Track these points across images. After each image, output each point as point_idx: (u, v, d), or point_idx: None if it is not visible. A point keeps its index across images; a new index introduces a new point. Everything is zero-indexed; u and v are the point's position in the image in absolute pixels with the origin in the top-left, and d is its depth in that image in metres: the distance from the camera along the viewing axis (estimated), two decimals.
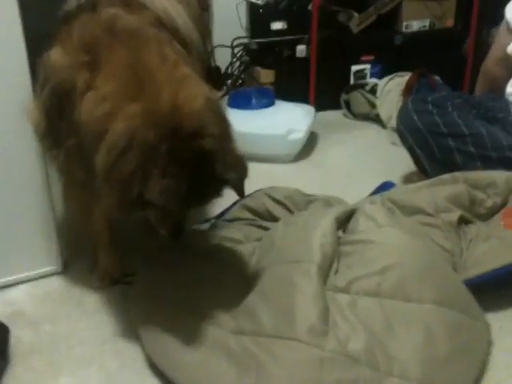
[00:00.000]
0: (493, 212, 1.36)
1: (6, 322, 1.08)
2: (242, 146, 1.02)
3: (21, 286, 1.24)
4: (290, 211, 1.40)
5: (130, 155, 0.91)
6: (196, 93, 0.97)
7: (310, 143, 2.08)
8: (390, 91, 2.24)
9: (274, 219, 1.37)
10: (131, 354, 1.05)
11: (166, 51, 1.04)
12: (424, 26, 2.44)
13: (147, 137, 0.91)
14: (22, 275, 1.25)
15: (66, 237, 1.30)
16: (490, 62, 1.72)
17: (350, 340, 0.94)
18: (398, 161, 1.78)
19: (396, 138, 1.83)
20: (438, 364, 0.94)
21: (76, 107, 0.99)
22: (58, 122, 1.05)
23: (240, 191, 1.01)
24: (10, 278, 1.24)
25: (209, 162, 0.94)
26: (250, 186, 1.40)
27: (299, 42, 2.33)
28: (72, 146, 1.04)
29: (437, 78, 2.24)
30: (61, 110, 1.04)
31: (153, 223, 1.02)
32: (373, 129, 2.28)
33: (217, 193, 1.01)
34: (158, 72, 0.98)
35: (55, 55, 1.05)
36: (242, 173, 0.99)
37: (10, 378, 0.99)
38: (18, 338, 1.08)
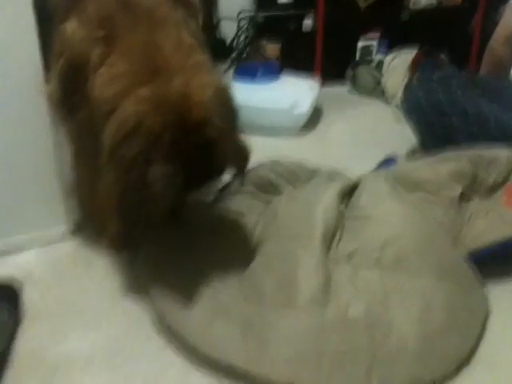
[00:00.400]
0: (494, 189, 1.37)
1: (17, 285, 1.12)
2: (247, 119, 1.06)
3: (31, 251, 1.27)
4: (293, 185, 1.41)
5: (135, 139, 0.94)
6: (206, 82, 0.99)
7: (315, 118, 2.10)
8: (396, 68, 2.25)
9: (277, 192, 1.39)
10: (139, 315, 1.09)
11: (181, 35, 1.06)
12: (431, 3, 2.43)
13: (153, 123, 0.93)
14: (32, 240, 1.27)
15: (77, 203, 1.32)
16: (496, 41, 1.72)
17: (349, 307, 0.98)
18: (401, 137, 1.79)
19: (400, 114, 1.84)
20: (435, 334, 0.97)
21: (89, 80, 1.01)
22: (72, 93, 1.08)
23: (240, 178, 1.04)
24: (20, 243, 1.26)
25: (210, 153, 0.97)
26: (253, 159, 1.43)
27: (305, 16, 2.32)
28: (83, 117, 1.07)
29: (443, 56, 2.24)
30: (75, 82, 1.06)
31: (151, 203, 1.04)
32: (377, 105, 2.29)
33: (214, 180, 1.05)
34: (171, 57, 1.01)
35: (71, 28, 1.06)
36: (243, 163, 1.03)
37: (21, 339, 1.03)
38: (29, 300, 1.11)
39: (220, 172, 1.03)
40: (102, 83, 0.99)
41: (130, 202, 1.11)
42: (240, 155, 1.02)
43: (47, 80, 1.13)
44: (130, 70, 0.98)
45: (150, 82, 0.96)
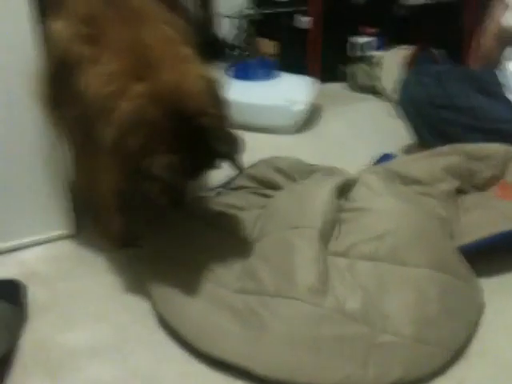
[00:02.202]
0: (489, 183, 1.40)
1: (22, 281, 1.13)
2: (245, 117, 1.09)
3: (35, 248, 1.29)
4: (293, 180, 1.44)
5: (137, 133, 0.97)
6: (197, 74, 1.04)
7: (312, 115, 2.12)
8: (392, 64, 2.26)
9: (277, 188, 1.41)
10: (142, 310, 1.11)
11: (167, 31, 1.09)
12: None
13: (153, 116, 0.97)
14: (36, 238, 1.30)
15: (79, 201, 1.34)
16: (486, 37, 1.74)
17: (347, 300, 1.00)
18: (398, 133, 1.81)
19: (397, 110, 1.86)
20: (430, 323, 0.99)
21: (78, 79, 1.03)
22: (63, 92, 1.09)
23: (236, 164, 1.07)
24: (24, 241, 1.28)
25: (207, 139, 1.01)
26: (252, 157, 1.46)
27: (302, 13, 2.34)
28: (74, 115, 1.09)
29: (440, 51, 2.25)
30: (65, 81, 1.07)
31: (154, 194, 1.07)
32: (374, 101, 2.31)
33: (213, 166, 1.07)
34: (160, 52, 1.04)
35: (56, 26, 1.08)
36: (236, 148, 1.06)
37: (26, 332, 1.05)
38: (34, 296, 1.13)
39: (217, 159, 1.06)
40: (95, 82, 1.01)
41: (133, 197, 1.14)
42: (233, 141, 1.05)
43: (38, 81, 1.13)
44: (123, 68, 1.01)
45: (144, 77, 0.99)
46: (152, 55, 1.03)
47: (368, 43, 2.43)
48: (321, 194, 1.20)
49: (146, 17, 1.09)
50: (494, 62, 1.69)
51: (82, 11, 1.07)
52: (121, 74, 1.01)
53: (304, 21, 2.36)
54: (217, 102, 1.06)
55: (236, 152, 1.05)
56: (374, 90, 2.34)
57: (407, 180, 1.36)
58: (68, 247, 1.31)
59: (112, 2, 1.09)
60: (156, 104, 0.97)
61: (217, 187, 1.49)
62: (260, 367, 0.93)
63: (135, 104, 0.98)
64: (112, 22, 1.05)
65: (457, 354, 0.99)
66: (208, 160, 1.05)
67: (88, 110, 1.03)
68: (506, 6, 1.66)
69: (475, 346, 1.02)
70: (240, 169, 1.09)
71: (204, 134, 1.00)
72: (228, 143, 1.04)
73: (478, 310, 1.08)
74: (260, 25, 2.42)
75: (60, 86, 1.09)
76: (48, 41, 1.11)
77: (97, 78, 1.01)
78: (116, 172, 1.05)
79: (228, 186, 1.47)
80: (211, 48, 2.30)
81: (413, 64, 2.14)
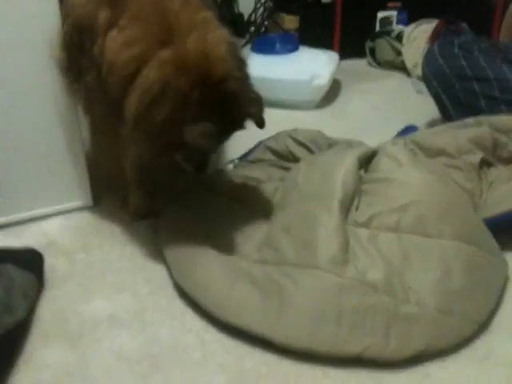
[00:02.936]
0: None
1: (40, 251, 1.14)
2: (265, 92, 1.09)
3: (54, 219, 1.29)
4: (312, 153, 1.42)
5: (164, 102, 0.95)
6: (219, 38, 1.02)
7: (334, 91, 2.08)
8: (416, 38, 2.22)
9: (296, 160, 1.39)
10: (161, 280, 1.10)
11: None
12: None
13: (180, 84, 0.95)
14: (55, 208, 1.30)
15: (97, 172, 1.33)
16: None
17: (368, 270, 0.98)
18: (422, 109, 1.78)
19: (421, 86, 1.82)
20: (455, 295, 0.97)
21: (97, 43, 1.01)
22: (79, 57, 1.08)
23: (261, 123, 1.06)
24: (43, 211, 1.28)
25: (235, 102, 0.99)
26: (272, 131, 1.44)
27: None
28: (92, 80, 1.06)
29: (464, 25, 2.20)
30: (81, 45, 1.06)
31: (180, 163, 1.06)
32: (398, 77, 2.26)
33: (241, 127, 1.06)
34: (181, 16, 1.01)
35: None
36: (261, 106, 1.05)
37: (45, 301, 1.05)
38: (53, 265, 1.13)
39: (243, 121, 1.05)
40: (116, 47, 0.99)
41: (156, 170, 1.12)
42: (258, 99, 1.05)
43: (55, 46, 1.12)
44: (145, 33, 0.99)
45: (167, 42, 0.97)
46: (173, 19, 1.00)
47: (392, 17, 2.39)
48: (342, 165, 1.17)
49: None
50: None
51: None
52: (142, 38, 0.98)
53: None
54: (239, 63, 1.04)
55: (261, 110, 1.04)
56: (397, 66, 2.30)
57: (431, 152, 1.33)
58: (87, 218, 1.31)
59: None
60: (182, 72, 0.95)
61: (235, 159, 1.47)
62: (280, 337, 0.92)
63: (160, 72, 0.95)
64: None
65: (482, 327, 0.97)
66: (237, 122, 1.04)
67: (107, 76, 1.01)
68: None
69: (501, 319, 0.99)
70: (263, 126, 1.06)
71: (232, 97, 0.99)
72: (254, 104, 1.03)
73: (504, 283, 1.06)
74: (281, 0, 2.38)
75: (77, 52, 1.07)
76: (65, 6, 1.09)
77: (116, 42, 0.99)
78: (140, 144, 1.03)
79: (246, 158, 1.46)
80: (233, 25, 2.26)
81: (437, 37, 2.08)
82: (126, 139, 1.05)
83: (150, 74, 0.96)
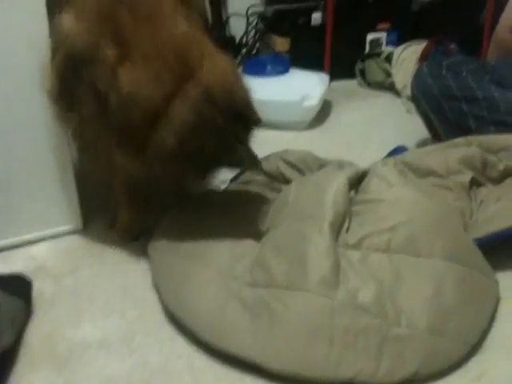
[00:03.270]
0: (505, 175, 1.37)
1: (28, 275, 1.12)
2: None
3: (43, 243, 1.28)
4: (303, 174, 1.42)
5: (200, 134, 1.02)
6: (228, 65, 1.09)
7: (325, 111, 2.09)
8: (406, 59, 2.24)
9: (288, 182, 1.39)
10: (150, 304, 1.09)
11: (187, 24, 1.09)
12: None
13: (212, 116, 1.02)
14: (44, 232, 1.29)
15: (86, 194, 1.33)
16: (501, 29, 1.71)
17: (359, 291, 0.97)
18: (412, 128, 1.79)
19: (410, 106, 1.83)
20: (446, 316, 0.96)
21: (101, 76, 1.03)
22: (73, 86, 1.08)
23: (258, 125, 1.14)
24: (32, 235, 1.28)
25: (251, 117, 1.10)
26: (264, 152, 1.44)
27: (315, 9, 2.32)
28: (90, 109, 1.07)
29: (453, 45, 2.22)
30: (77, 75, 1.06)
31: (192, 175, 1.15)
32: (387, 97, 2.28)
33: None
34: (193, 48, 1.06)
35: (68, 21, 1.06)
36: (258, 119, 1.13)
37: (33, 326, 1.04)
38: (41, 290, 1.12)
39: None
40: (136, 82, 1.01)
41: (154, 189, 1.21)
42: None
43: (46, 75, 1.12)
44: (165, 68, 1.02)
45: (189, 76, 1.02)
46: (186, 52, 1.04)
47: (381, 39, 2.41)
48: (332, 186, 1.17)
49: (164, 11, 1.09)
50: (509, 54, 1.66)
51: (97, 6, 1.05)
52: (165, 74, 1.02)
53: (316, 17, 2.34)
54: (246, 85, 1.11)
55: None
56: (387, 86, 2.32)
57: (421, 172, 1.33)
58: (75, 242, 1.30)
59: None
60: (212, 103, 1.02)
61: (227, 180, 1.47)
62: (271, 362, 0.91)
63: (194, 106, 1.01)
64: (131, 20, 1.05)
65: (474, 348, 0.96)
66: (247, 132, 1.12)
67: (123, 110, 1.03)
68: None
69: (493, 340, 0.99)
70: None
71: (249, 115, 1.09)
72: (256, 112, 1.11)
73: (495, 302, 1.05)
74: (272, 22, 2.40)
75: (73, 81, 1.07)
76: (59, 35, 1.08)
77: (137, 79, 1.01)
78: (177, 170, 1.09)
79: (238, 179, 1.46)
80: (225, 47, 2.28)
81: (426, 58, 2.11)
82: (133, 163, 1.10)
83: (184, 110, 1.01)
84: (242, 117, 1.07)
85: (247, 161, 1.14)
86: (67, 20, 1.06)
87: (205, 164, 1.10)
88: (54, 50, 1.10)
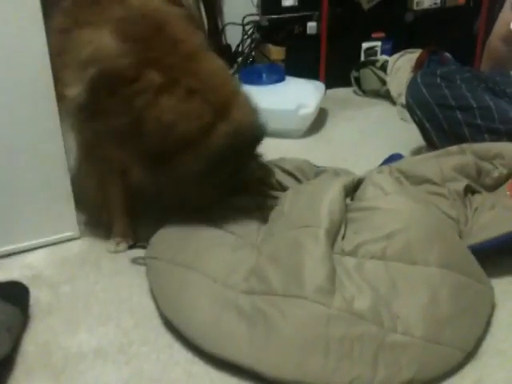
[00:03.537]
0: (499, 183, 1.38)
1: (25, 283, 1.13)
2: None
3: (39, 251, 1.28)
4: (300, 181, 1.43)
5: (228, 162, 1.18)
6: (250, 101, 1.25)
7: (320, 120, 2.11)
8: (401, 68, 2.25)
9: (284, 189, 1.39)
10: (147, 312, 1.09)
11: (214, 58, 1.21)
12: (435, 4, 2.43)
13: (240, 148, 1.19)
14: (41, 241, 1.29)
15: (83, 203, 1.33)
16: (494, 39, 1.73)
17: (355, 299, 0.97)
18: (407, 136, 1.80)
19: (406, 114, 1.84)
20: (442, 323, 0.97)
21: (139, 96, 1.10)
22: (99, 101, 1.12)
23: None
24: (28, 243, 1.28)
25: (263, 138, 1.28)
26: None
27: (310, 18, 2.34)
28: (118, 124, 1.13)
29: (447, 54, 2.24)
30: (111, 91, 1.11)
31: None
32: (382, 105, 2.29)
33: None
34: (227, 85, 1.21)
35: (107, 38, 1.09)
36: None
37: (30, 334, 1.04)
38: (37, 298, 1.12)
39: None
40: (178, 113, 1.11)
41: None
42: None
43: (66, 83, 1.14)
44: (206, 103, 1.13)
45: (223, 116, 1.15)
46: (222, 88, 1.17)
47: (376, 47, 2.43)
48: (328, 193, 1.18)
49: (199, 47, 1.19)
50: (503, 64, 1.68)
51: (135, 30, 1.11)
52: (206, 112, 1.13)
53: (312, 26, 2.35)
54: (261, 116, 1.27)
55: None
56: (382, 95, 2.33)
57: (415, 179, 1.34)
58: (73, 249, 1.30)
59: (156, 20, 1.14)
60: (241, 140, 1.18)
61: None
62: (267, 369, 0.91)
63: (227, 141, 1.14)
64: (175, 52, 1.12)
65: (470, 355, 0.96)
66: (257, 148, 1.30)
67: (157, 132, 1.12)
68: None
69: (488, 346, 0.99)
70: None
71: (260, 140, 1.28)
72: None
73: (491, 309, 1.06)
74: (268, 31, 2.42)
75: (98, 96, 1.11)
76: (90, 50, 1.10)
77: (180, 111, 1.12)
78: (204, 189, 1.22)
79: None
80: (221, 56, 2.30)
81: (420, 67, 2.13)
82: (148, 177, 1.20)
83: (219, 143, 1.14)
84: (259, 141, 1.26)
85: (260, 172, 1.30)
86: (101, 38, 1.10)
87: (223, 180, 1.22)
88: (85, 63, 1.11)
